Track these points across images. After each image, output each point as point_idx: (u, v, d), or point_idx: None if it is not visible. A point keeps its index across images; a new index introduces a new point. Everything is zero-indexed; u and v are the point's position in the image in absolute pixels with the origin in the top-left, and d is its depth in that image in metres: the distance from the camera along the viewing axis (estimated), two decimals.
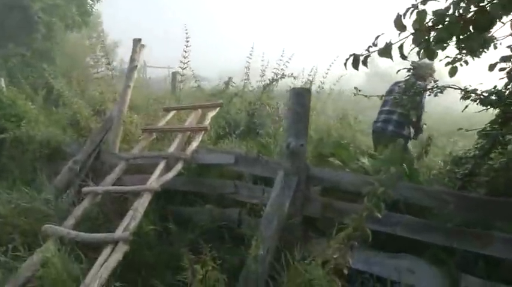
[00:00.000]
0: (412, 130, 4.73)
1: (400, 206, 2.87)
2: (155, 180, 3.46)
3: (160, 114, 5.27)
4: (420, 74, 4.60)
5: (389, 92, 4.68)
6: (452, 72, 3.12)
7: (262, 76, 6.72)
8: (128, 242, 2.91)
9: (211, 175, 3.84)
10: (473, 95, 3.14)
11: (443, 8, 2.39)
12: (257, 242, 2.64)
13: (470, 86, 3.18)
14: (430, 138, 4.36)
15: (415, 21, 2.38)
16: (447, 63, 3.14)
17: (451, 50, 3.03)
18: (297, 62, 7.18)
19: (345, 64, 2.19)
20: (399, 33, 2.31)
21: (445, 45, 2.53)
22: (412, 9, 2.30)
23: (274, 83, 6.42)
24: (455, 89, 3.12)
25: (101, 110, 5.94)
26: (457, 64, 3.07)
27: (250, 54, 7.10)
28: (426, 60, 4.91)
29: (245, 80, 7.32)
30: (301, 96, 3.21)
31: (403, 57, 2.44)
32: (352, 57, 2.19)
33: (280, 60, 6.66)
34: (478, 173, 3.64)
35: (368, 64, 2.40)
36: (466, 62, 3.03)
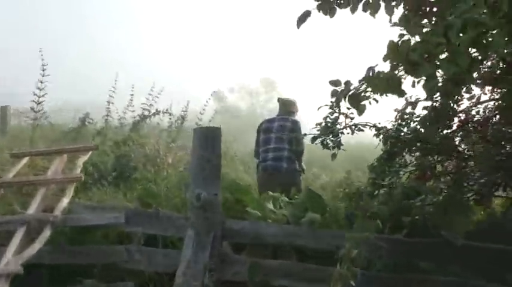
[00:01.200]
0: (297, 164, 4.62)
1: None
2: (12, 258, 2.47)
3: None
4: (289, 110, 4.73)
5: (266, 129, 4.58)
6: (361, 110, 3.08)
7: (131, 112, 5.96)
8: None
9: (88, 240, 2.98)
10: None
11: None
12: None
13: (380, 123, 3.18)
14: None
15: None
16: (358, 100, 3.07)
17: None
18: (165, 97, 6.65)
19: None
20: None
21: None
22: None
23: (145, 119, 5.76)
24: (370, 127, 3.06)
25: None
26: (366, 102, 3.04)
27: (114, 88, 6.28)
28: (290, 98, 5.13)
29: (106, 116, 6.43)
30: (210, 138, 2.73)
31: None
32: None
33: (150, 94, 6.05)
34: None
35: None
36: (376, 100, 3.01)
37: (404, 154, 3.63)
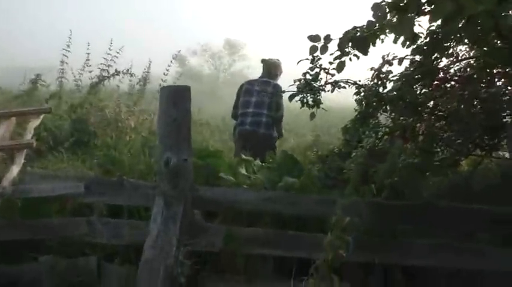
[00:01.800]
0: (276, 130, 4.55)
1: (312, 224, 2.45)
2: None
3: None
4: (272, 73, 4.57)
5: (247, 91, 4.42)
6: (340, 67, 2.89)
7: (89, 73, 5.47)
8: None
9: (44, 212, 2.69)
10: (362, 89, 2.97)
11: None
12: None
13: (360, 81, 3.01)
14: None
15: None
16: (335, 58, 2.87)
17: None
18: (126, 56, 6.16)
19: None
20: None
21: None
22: None
23: (103, 81, 5.31)
24: (350, 84, 2.87)
25: None
26: (346, 59, 2.85)
27: (68, 46, 5.71)
28: (274, 59, 4.92)
29: (60, 77, 5.91)
30: (179, 97, 2.45)
31: None
32: None
33: (108, 54, 5.56)
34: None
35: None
36: (357, 57, 2.82)
37: (379, 115, 3.52)
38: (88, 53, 5.52)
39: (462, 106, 3.01)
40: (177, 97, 2.44)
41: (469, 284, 2.36)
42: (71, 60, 5.52)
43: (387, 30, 1.89)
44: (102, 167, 3.31)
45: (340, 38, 2.13)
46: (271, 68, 4.64)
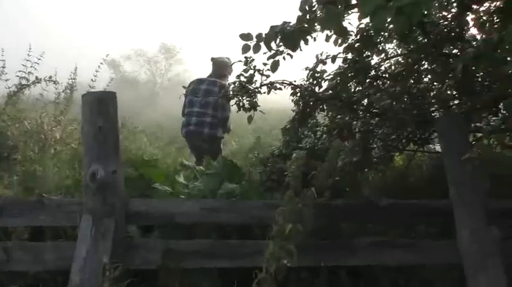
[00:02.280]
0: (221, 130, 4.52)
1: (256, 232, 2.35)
2: None
3: None
4: (220, 73, 4.54)
5: (193, 90, 4.35)
6: (274, 66, 2.83)
7: (5, 81, 4.95)
8: None
9: None
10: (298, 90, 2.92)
11: None
12: None
13: (296, 81, 2.95)
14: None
15: None
16: (269, 57, 2.81)
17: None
18: (48, 63, 5.68)
19: None
20: None
21: None
22: None
23: (22, 90, 4.84)
24: (286, 85, 2.81)
25: None
26: (280, 58, 2.79)
27: None
28: (224, 58, 4.83)
29: None
30: (104, 104, 2.25)
31: None
32: None
33: (28, 60, 5.08)
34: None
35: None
36: (290, 55, 2.77)
37: (316, 114, 3.52)
38: (3, 60, 5.00)
39: (394, 103, 3.08)
40: (101, 104, 2.23)
41: (411, 280, 2.38)
42: None
43: (316, 25, 1.82)
44: (22, 185, 2.98)
45: (266, 34, 2.04)
46: (219, 68, 4.60)
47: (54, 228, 2.45)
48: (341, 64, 3.20)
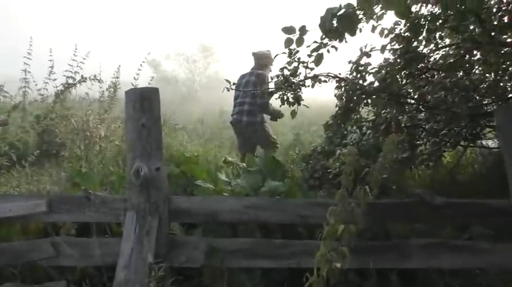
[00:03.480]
0: (264, 116, 4.78)
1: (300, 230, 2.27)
2: None
3: None
4: (261, 64, 4.79)
5: (237, 85, 4.52)
6: (318, 59, 2.73)
7: (53, 80, 5.13)
8: None
9: (3, 236, 2.42)
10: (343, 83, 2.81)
11: None
12: None
13: (340, 74, 2.84)
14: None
15: None
16: (312, 50, 2.72)
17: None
18: (93, 62, 5.85)
19: None
20: None
21: None
22: None
23: (69, 88, 5.00)
24: (331, 78, 2.71)
25: None
26: (324, 51, 2.69)
27: (29, 54, 5.36)
28: (264, 50, 4.96)
29: (24, 87, 5.56)
30: (147, 101, 2.24)
31: None
32: None
33: (74, 60, 5.25)
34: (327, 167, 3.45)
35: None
36: (335, 48, 2.66)
37: (360, 109, 3.38)
38: (51, 60, 5.18)
39: (448, 96, 2.90)
40: (144, 100, 2.22)
41: (467, 284, 2.22)
42: (33, 68, 5.17)
43: (376, 6, 1.71)
44: (69, 181, 3.05)
45: (321, 17, 1.94)
46: (259, 59, 4.87)
47: (99, 224, 2.47)
48: (386, 57, 3.06)
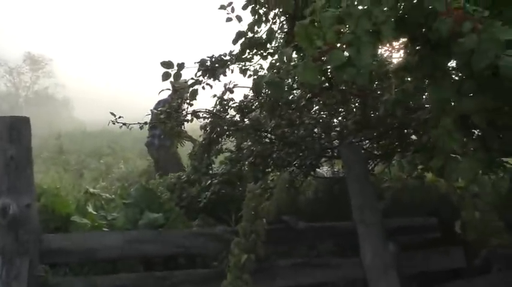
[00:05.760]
0: None
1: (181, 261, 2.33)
2: None
3: None
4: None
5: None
6: (193, 95, 2.92)
7: None
8: None
9: None
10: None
11: None
12: None
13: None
14: None
15: None
16: (189, 86, 2.90)
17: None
18: None
19: None
20: None
21: None
22: None
23: None
24: (207, 113, 2.89)
25: None
26: (199, 87, 2.89)
27: None
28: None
29: None
30: (16, 130, 2.04)
31: None
32: None
33: None
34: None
35: None
36: (210, 85, 2.90)
37: (222, 140, 3.64)
38: None
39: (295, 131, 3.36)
40: (13, 131, 2.02)
41: None
42: None
43: None
44: None
45: (164, 74, 2.16)
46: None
47: None
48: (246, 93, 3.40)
